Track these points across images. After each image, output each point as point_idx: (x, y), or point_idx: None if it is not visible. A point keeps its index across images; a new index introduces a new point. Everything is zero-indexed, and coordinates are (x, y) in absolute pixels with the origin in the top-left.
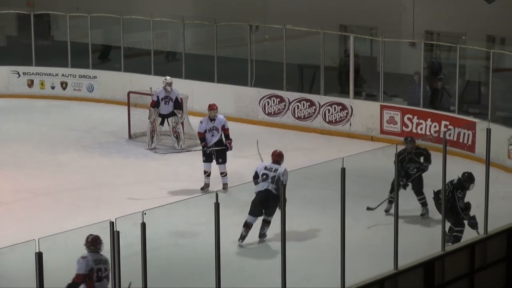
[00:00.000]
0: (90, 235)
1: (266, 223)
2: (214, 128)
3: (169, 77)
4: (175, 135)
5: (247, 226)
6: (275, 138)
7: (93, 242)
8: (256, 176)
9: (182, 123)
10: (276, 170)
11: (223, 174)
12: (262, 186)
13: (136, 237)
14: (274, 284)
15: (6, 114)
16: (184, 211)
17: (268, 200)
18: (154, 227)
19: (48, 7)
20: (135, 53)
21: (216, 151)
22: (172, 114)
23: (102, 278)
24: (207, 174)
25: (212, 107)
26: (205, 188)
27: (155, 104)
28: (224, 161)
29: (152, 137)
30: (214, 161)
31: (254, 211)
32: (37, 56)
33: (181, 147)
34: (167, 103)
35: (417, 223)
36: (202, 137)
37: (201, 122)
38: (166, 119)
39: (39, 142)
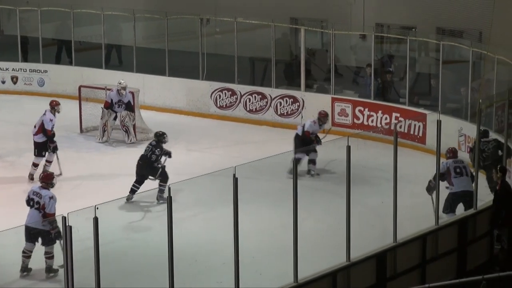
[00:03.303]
0: (43, 171)
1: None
2: None
3: (123, 81)
4: (124, 129)
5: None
6: (227, 131)
7: (43, 178)
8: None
9: (134, 119)
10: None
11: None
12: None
13: (88, 232)
14: (227, 277)
15: None
16: (137, 205)
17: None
18: (106, 221)
19: None
20: (86, 47)
21: None
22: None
23: (32, 207)
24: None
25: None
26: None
27: (109, 106)
28: None
29: (104, 131)
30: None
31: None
32: None
33: (131, 141)
34: (120, 106)
35: (370, 214)
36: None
37: (51, 120)
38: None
39: None
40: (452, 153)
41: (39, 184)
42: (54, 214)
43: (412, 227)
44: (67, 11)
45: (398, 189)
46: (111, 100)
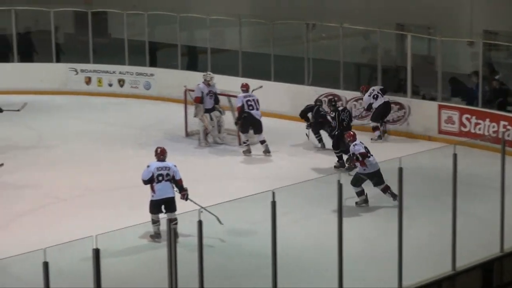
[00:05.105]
0: (158, 147)
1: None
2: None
3: (210, 72)
4: (219, 129)
5: None
6: None
7: (161, 153)
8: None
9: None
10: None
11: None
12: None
13: (193, 235)
14: (330, 283)
15: (64, 111)
16: (241, 209)
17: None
18: (211, 225)
19: (105, 4)
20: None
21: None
22: (213, 108)
23: (162, 181)
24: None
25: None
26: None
27: (200, 100)
28: None
29: (206, 135)
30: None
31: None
32: (95, 54)
33: (222, 140)
34: (212, 97)
35: (475, 223)
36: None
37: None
38: (210, 114)
39: (96, 139)
40: (352, 136)
41: (153, 161)
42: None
43: None
44: (173, 15)
45: (505, 198)
46: (202, 93)
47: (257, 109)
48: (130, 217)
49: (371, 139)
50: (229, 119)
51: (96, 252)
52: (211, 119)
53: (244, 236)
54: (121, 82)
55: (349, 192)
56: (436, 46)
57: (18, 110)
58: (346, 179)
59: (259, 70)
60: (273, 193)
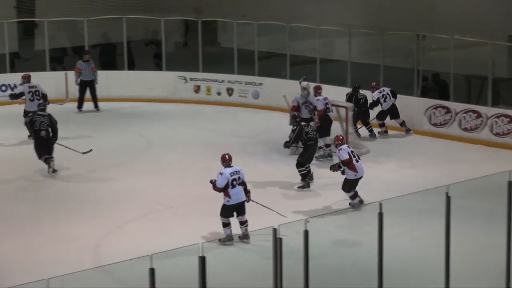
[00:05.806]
0: (225, 154)
1: None
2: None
3: (305, 83)
4: None
5: None
6: (440, 149)
7: (229, 159)
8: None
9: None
10: None
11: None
12: None
13: (298, 244)
14: None
15: (173, 119)
16: (348, 220)
17: None
18: (316, 234)
19: (215, 14)
20: (301, 61)
21: None
22: (311, 119)
23: (236, 185)
24: None
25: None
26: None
27: (296, 109)
28: None
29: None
30: None
31: None
32: (204, 62)
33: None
34: (307, 107)
35: None
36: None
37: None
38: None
39: (204, 147)
40: (340, 140)
41: (222, 168)
42: None
43: None
44: (283, 25)
45: None
46: (298, 102)
47: (331, 111)
48: (236, 226)
49: (378, 132)
50: (336, 129)
51: (202, 260)
52: None
53: (350, 247)
54: (230, 91)
55: (460, 204)
56: None
57: (82, 153)
58: (457, 190)
59: (367, 80)
60: (380, 204)
